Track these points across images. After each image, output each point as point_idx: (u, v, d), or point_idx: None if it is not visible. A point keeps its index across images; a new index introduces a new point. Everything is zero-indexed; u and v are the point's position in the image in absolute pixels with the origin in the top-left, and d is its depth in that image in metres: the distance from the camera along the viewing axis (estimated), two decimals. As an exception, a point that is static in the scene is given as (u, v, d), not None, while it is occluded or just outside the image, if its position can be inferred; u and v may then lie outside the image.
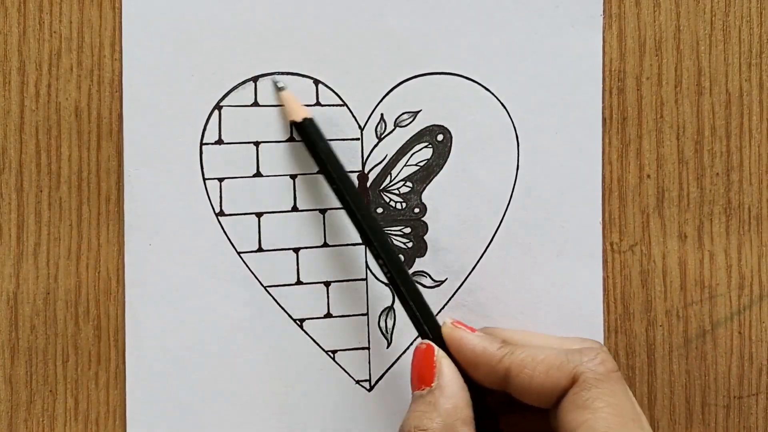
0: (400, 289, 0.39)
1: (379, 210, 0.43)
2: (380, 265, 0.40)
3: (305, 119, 0.41)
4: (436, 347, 0.38)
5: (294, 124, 0.41)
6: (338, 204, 0.43)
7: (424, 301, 0.39)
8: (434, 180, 0.44)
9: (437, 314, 0.43)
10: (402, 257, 0.43)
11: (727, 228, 0.44)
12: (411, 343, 0.43)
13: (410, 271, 0.43)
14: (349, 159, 0.43)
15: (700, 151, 0.44)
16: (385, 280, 0.43)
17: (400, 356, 0.43)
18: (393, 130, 0.43)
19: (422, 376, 0.37)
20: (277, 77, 0.42)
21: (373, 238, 0.40)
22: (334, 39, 0.43)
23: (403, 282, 0.39)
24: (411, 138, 0.43)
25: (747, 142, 0.44)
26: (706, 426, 0.44)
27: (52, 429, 0.42)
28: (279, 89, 0.42)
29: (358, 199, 0.40)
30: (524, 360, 0.36)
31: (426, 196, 0.44)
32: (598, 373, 0.36)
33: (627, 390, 0.36)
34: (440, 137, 0.43)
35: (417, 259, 0.44)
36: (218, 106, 0.42)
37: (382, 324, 0.43)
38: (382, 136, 0.43)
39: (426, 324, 0.39)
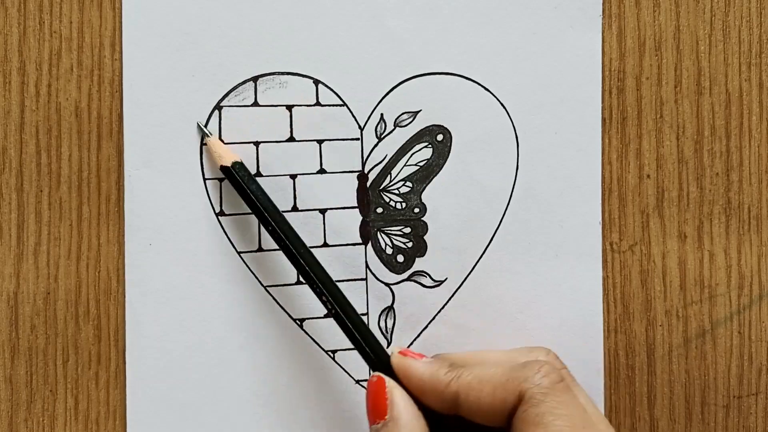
0: (346, 324, 0.39)
1: (379, 210, 0.43)
2: (323, 302, 0.40)
3: (234, 163, 0.41)
4: (386, 379, 0.38)
5: (223, 169, 0.41)
6: (339, 204, 0.43)
7: (372, 334, 0.40)
8: (434, 180, 0.44)
9: (436, 315, 0.43)
10: (403, 257, 0.43)
11: (727, 228, 0.44)
12: (411, 343, 0.43)
13: (410, 272, 0.44)
14: (349, 159, 0.43)
15: (699, 151, 0.44)
16: (385, 281, 0.43)
17: (400, 356, 0.43)
18: (393, 130, 0.43)
19: (376, 410, 0.38)
20: (202, 125, 0.42)
21: (314, 276, 0.40)
22: (334, 39, 0.43)
23: (348, 317, 0.39)
24: (411, 138, 0.43)
25: (747, 142, 0.44)
26: (705, 426, 0.44)
27: (52, 429, 0.42)
28: (205, 135, 0.42)
29: (296, 238, 0.40)
30: (471, 382, 0.37)
31: (426, 196, 0.44)
32: (543, 387, 0.35)
33: (575, 397, 0.36)
34: (440, 137, 0.43)
35: (417, 259, 0.44)
36: (218, 106, 0.42)
37: (382, 324, 0.43)
38: (382, 136, 0.43)
39: (375, 356, 0.39)
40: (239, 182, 0.41)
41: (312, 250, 0.43)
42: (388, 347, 0.43)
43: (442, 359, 0.39)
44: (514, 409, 0.36)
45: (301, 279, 0.40)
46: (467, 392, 0.36)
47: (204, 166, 0.42)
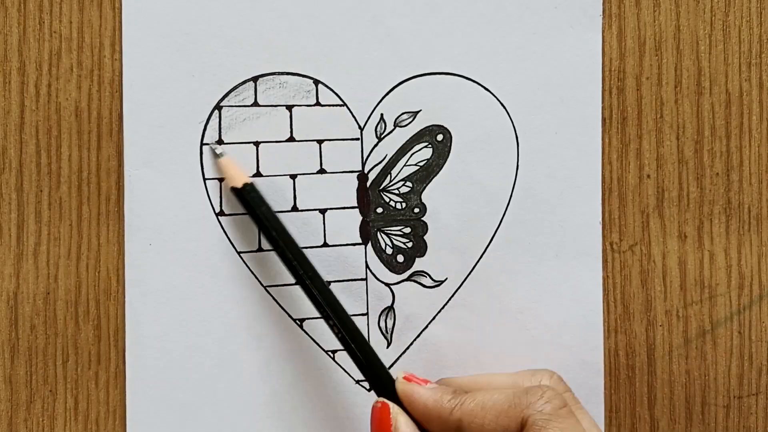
0: (352, 348, 0.40)
1: (379, 210, 0.43)
2: (330, 326, 0.40)
3: (246, 185, 0.41)
4: (391, 404, 0.38)
5: (234, 191, 0.41)
6: (339, 204, 0.43)
7: (378, 358, 0.40)
8: (434, 180, 0.44)
9: (436, 315, 0.43)
10: (403, 257, 0.43)
11: (727, 228, 0.44)
12: (411, 343, 0.43)
13: (410, 272, 0.44)
14: (349, 159, 0.43)
15: (700, 151, 0.44)
16: (385, 281, 0.43)
17: (400, 356, 0.43)
18: (393, 130, 0.43)
19: None
20: (215, 144, 0.42)
21: (322, 300, 0.40)
22: (334, 39, 0.43)
23: (355, 341, 0.40)
24: (411, 138, 0.43)
25: (747, 142, 0.44)
26: (706, 426, 0.44)
27: (52, 429, 0.42)
28: (217, 156, 0.42)
29: (305, 261, 0.40)
30: (474, 409, 0.37)
31: (426, 196, 0.44)
32: (546, 414, 0.36)
33: (578, 422, 0.36)
34: (440, 137, 0.43)
35: (417, 259, 0.44)
36: (218, 106, 0.42)
37: (382, 324, 0.43)
38: (382, 136, 0.43)
39: (380, 381, 0.39)
40: (250, 204, 0.41)
41: (312, 250, 0.43)
42: (388, 347, 0.43)
43: (446, 385, 0.39)
44: None
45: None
46: (470, 419, 0.37)
47: (204, 166, 0.42)
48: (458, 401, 0.37)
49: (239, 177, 0.41)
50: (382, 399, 0.39)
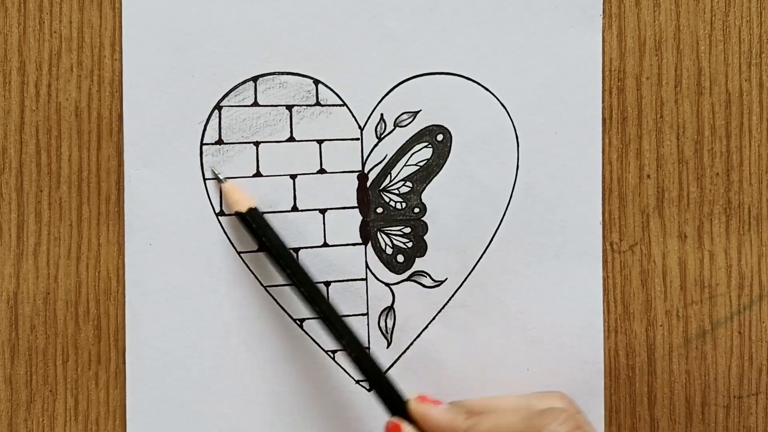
0: (366, 369, 0.40)
1: (379, 210, 0.43)
2: (343, 346, 0.40)
3: (250, 209, 0.41)
4: (404, 425, 0.38)
5: (238, 215, 0.41)
6: (339, 204, 0.43)
7: (390, 379, 0.40)
8: (434, 180, 0.44)
9: (436, 315, 0.43)
10: (403, 257, 0.43)
11: (727, 228, 0.44)
12: (411, 343, 0.43)
13: (410, 272, 0.44)
14: (349, 159, 0.43)
15: (700, 151, 0.44)
16: (385, 282, 0.43)
17: (400, 356, 0.43)
18: (393, 130, 0.43)
19: None
20: (218, 168, 0.42)
21: (334, 323, 0.40)
22: (334, 39, 0.43)
23: (369, 363, 0.40)
24: (411, 138, 0.43)
25: (747, 142, 0.44)
26: (706, 426, 0.44)
27: (52, 429, 0.42)
28: (220, 181, 0.42)
29: (313, 286, 0.40)
30: (489, 430, 0.37)
31: (426, 196, 0.44)
32: None
33: None
34: (440, 137, 0.43)
35: (417, 259, 0.44)
36: (218, 106, 0.42)
37: (382, 324, 0.43)
38: (382, 136, 0.43)
39: (393, 401, 0.39)
40: (254, 228, 0.41)
41: (312, 250, 0.43)
42: (388, 347, 0.43)
43: (459, 406, 0.39)
44: None
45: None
46: None
47: (204, 166, 0.42)
48: (473, 422, 0.38)
49: (243, 201, 0.41)
50: (395, 418, 0.39)
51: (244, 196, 0.41)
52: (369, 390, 0.43)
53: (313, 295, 0.40)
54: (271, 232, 0.41)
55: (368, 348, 0.43)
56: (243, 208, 0.41)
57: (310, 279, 0.41)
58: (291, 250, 0.41)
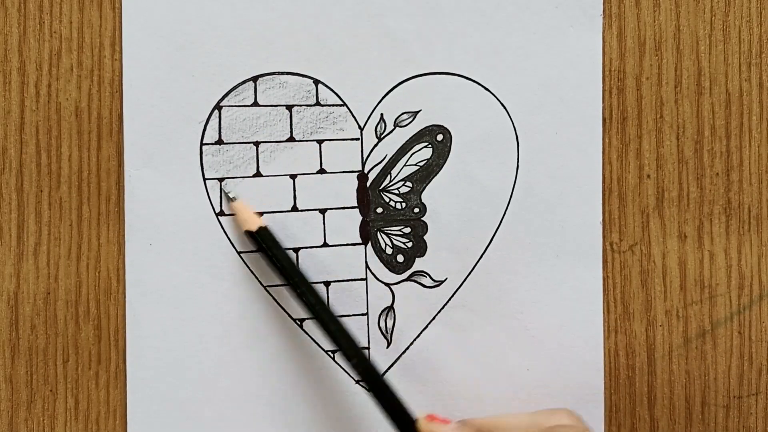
0: (375, 387, 0.40)
1: (379, 210, 0.43)
2: (353, 365, 0.40)
3: (260, 228, 0.41)
4: None
5: (248, 233, 0.41)
6: (339, 204, 0.43)
7: (400, 398, 0.40)
8: (434, 180, 0.44)
9: (436, 315, 0.43)
10: (403, 257, 0.43)
11: (727, 228, 0.44)
12: (411, 343, 0.43)
13: (410, 272, 0.44)
14: (349, 159, 0.43)
15: (700, 151, 0.44)
16: (385, 282, 0.43)
17: (400, 356, 0.43)
18: (393, 130, 0.43)
19: None
20: (228, 187, 0.42)
21: (344, 341, 0.40)
22: (334, 39, 0.43)
23: (376, 380, 0.40)
24: (411, 138, 0.43)
25: (747, 142, 0.44)
26: (706, 426, 0.44)
27: (52, 429, 0.42)
28: (230, 200, 0.42)
29: (322, 304, 0.41)
30: None
31: (426, 196, 0.44)
32: None
33: None
34: (440, 137, 0.43)
35: (417, 259, 0.44)
36: (218, 106, 0.42)
37: (382, 324, 0.43)
38: (382, 136, 0.43)
39: (402, 420, 0.39)
40: (265, 247, 0.41)
41: (312, 250, 0.43)
42: (387, 347, 0.43)
43: (468, 425, 0.40)
44: None
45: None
46: None
47: (204, 166, 0.42)
48: None
49: (253, 221, 0.41)
50: None
51: (253, 215, 0.41)
52: (369, 390, 0.43)
53: (329, 322, 0.40)
54: (280, 252, 0.41)
55: (368, 348, 0.43)
56: (253, 227, 0.41)
57: (323, 301, 0.41)
58: (300, 269, 0.41)
